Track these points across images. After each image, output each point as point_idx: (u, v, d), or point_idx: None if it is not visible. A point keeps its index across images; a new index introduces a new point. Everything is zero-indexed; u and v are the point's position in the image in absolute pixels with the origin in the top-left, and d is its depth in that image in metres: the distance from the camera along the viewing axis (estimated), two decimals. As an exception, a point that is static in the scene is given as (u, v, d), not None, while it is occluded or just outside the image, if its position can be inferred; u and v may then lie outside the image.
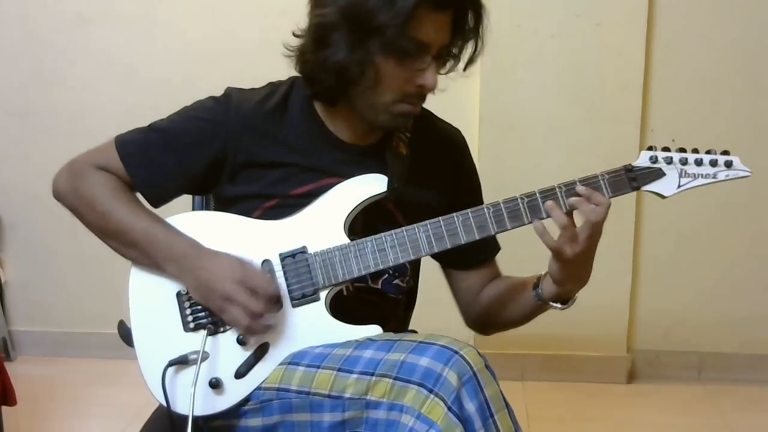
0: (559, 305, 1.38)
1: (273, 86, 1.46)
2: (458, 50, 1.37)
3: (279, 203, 1.40)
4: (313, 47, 1.34)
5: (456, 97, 2.58)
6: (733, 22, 2.59)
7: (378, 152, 1.43)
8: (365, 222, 1.40)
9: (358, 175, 1.38)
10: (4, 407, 1.95)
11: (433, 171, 1.49)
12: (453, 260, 1.52)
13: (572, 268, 1.31)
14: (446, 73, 1.39)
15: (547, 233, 1.29)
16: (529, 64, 2.62)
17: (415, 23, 1.27)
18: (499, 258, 1.56)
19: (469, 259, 1.52)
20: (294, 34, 1.40)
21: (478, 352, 1.22)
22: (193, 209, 1.60)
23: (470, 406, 1.16)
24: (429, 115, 1.53)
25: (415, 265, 1.53)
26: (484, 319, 1.53)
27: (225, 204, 1.44)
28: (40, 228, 2.89)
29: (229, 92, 1.44)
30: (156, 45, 2.76)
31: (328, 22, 1.30)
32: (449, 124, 1.56)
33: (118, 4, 2.76)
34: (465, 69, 1.39)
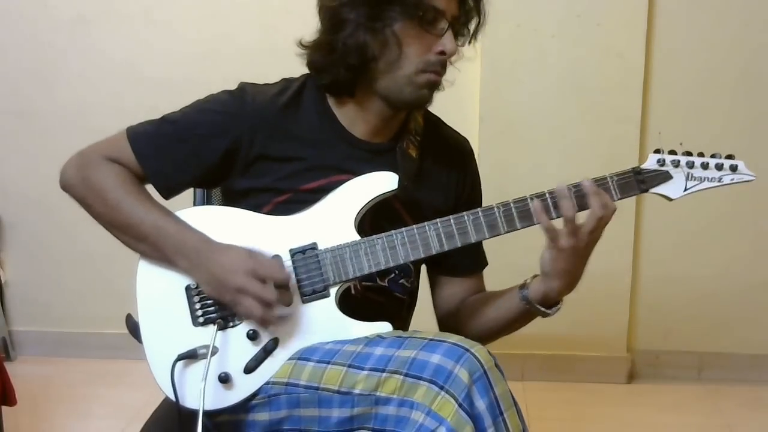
0: (544, 309, 1.37)
1: (287, 82, 1.47)
2: (465, 23, 1.40)
3: (289, 198, 1.40)
4: (330, 33, 1.36)
5: (456, 97, 2.59)
6: (733, 22, 2.59)
7: (388, 151, 1.44)
8: (372, 221, 1.40)
9: (369, 172, 1.39)
10: (4, 407, 1.94)
11: (440, 175, 1.50)
12: (441, 265, 1.53)
13: (564, 262, 1.30)
14: (461, 46, 1.40)
15: (544, 214, 1.29)
16: (529, 64, 2.62)
17: None
18: (494, 272, 1.57)
19: (457, 265, 1.52)
20: (301, 44, 1.42)
21: (488, 351, 1.22)
22: (195, 204, 1.61)
23: (480, 404, 1.17)
24: (438, 121, 1.55)
25: (417, 266, 1.53)
26: (462, 328, 1.50)
27: (234, 198, 1.44)
28: (40, 228, 2.89)
29: (243, 86, 1.45)
30: (156, 45, 2.76)
31: (343, 2, 1.33)
32: (458, 132, 1.57)
33: (118, 4, 2.75)
34: (469, 43, 1.42)
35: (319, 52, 1.39)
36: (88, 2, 2.75)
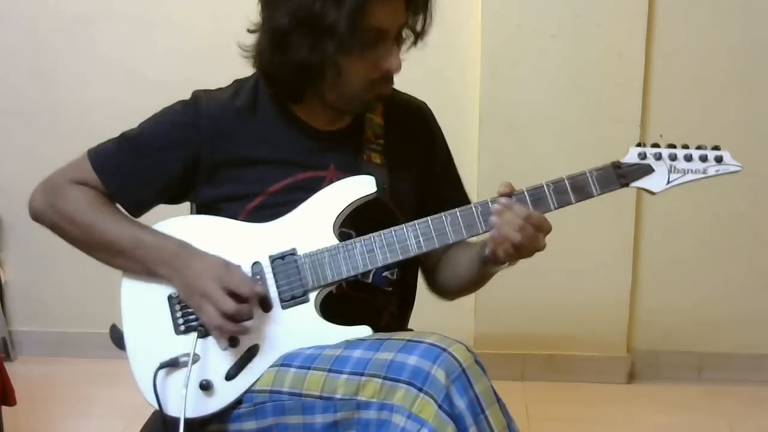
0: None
1: (239, 83, 1.47)
2: (414, 25, 1.37)
3: (262, 203, 1.40)
4: (271, 50, 1.34)
5: (456, 97, 2.60)
6: (733, 22, 2.58)
7: (351, 135, 1.44)
8: (362, 218, 1.39)
9: (333, 162, 1.39)
10: (4, 407, 1.95)
11: (410, 154, 1.50)
12: None
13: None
14: (407, 50, 1.39)
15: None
16: (529, 64, 2.61)
17: (369, 13, 1.27)
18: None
19: None
20: (249, 30, 1.40)
21: (468, 348, 1.22)
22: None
23: (460, 404, 1.17)
24: (392, 95, 1.49)
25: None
26: (441, 276, 1.53)
27: (207, 211, 1.44)
28: (40, 228, 2.87)
29: (197, 94, 1.44)
30: (156, 45, 2.76)
31: (281, 27, 1.30)
32: (413, 97, 1.56)
33: (118, 4, 2.75)
34: (416, 43, 1.39)
35: (261, 62, 1.38)
36: (88, 2, 2.75)
